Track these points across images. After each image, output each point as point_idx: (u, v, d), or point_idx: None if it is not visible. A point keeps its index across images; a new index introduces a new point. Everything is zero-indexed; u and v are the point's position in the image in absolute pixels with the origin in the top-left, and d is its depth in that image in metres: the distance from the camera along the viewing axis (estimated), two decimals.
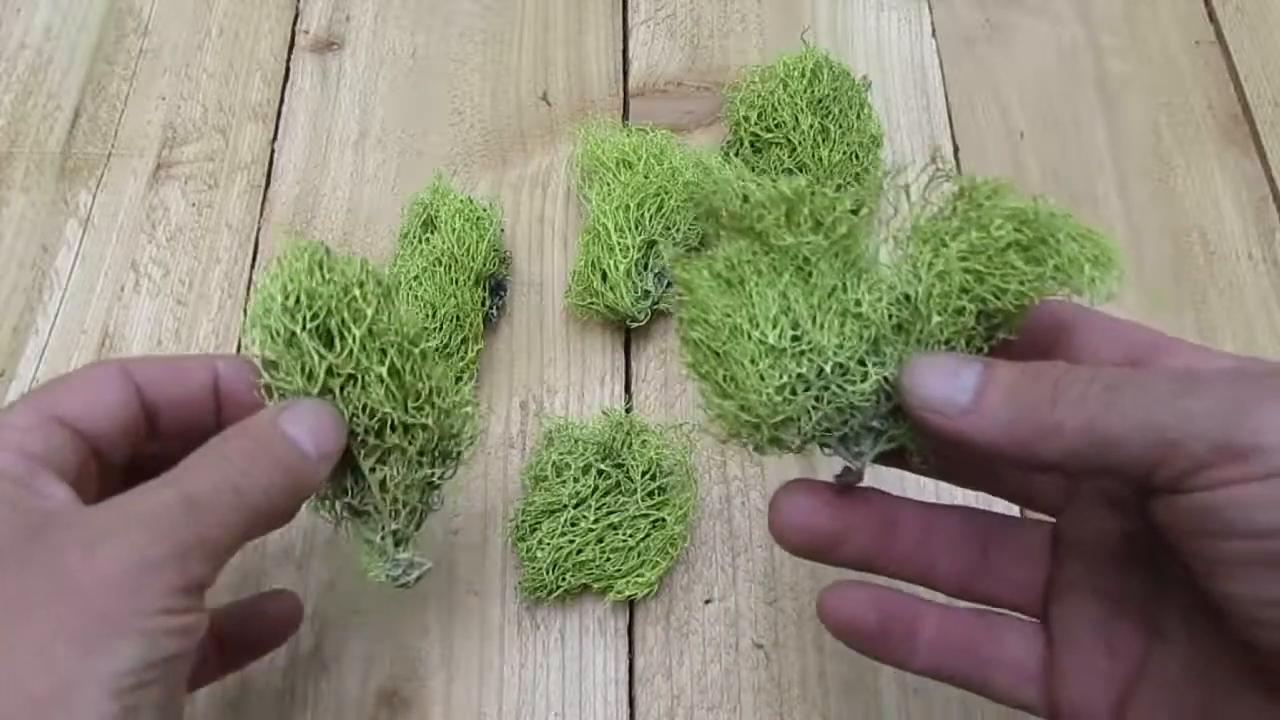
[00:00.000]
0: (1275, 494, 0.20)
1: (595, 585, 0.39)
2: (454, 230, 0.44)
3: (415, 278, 0.43)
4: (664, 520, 0.39)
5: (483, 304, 0.44)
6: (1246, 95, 0.51)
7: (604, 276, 0.44)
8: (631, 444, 0.40)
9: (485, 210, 0.46)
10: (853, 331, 0.25)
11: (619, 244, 0.43)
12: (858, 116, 0.46)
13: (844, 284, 0.26)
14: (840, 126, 0.46)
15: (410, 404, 0.31)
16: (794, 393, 0.25)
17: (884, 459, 0.27)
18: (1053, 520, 0.29)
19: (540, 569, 0.39)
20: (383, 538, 0.32)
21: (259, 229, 0.49)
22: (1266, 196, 0.49)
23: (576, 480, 0.39)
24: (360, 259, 0.31)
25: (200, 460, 0.27)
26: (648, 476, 0.39)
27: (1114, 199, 0.49)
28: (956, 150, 0.50)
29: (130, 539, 0.25)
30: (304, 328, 0.29)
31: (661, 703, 0.38)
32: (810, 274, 0.26)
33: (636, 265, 0.44)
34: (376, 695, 0.38)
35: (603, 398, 0.44)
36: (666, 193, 0.44)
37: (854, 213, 0.26)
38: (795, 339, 0.25)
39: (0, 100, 0.53)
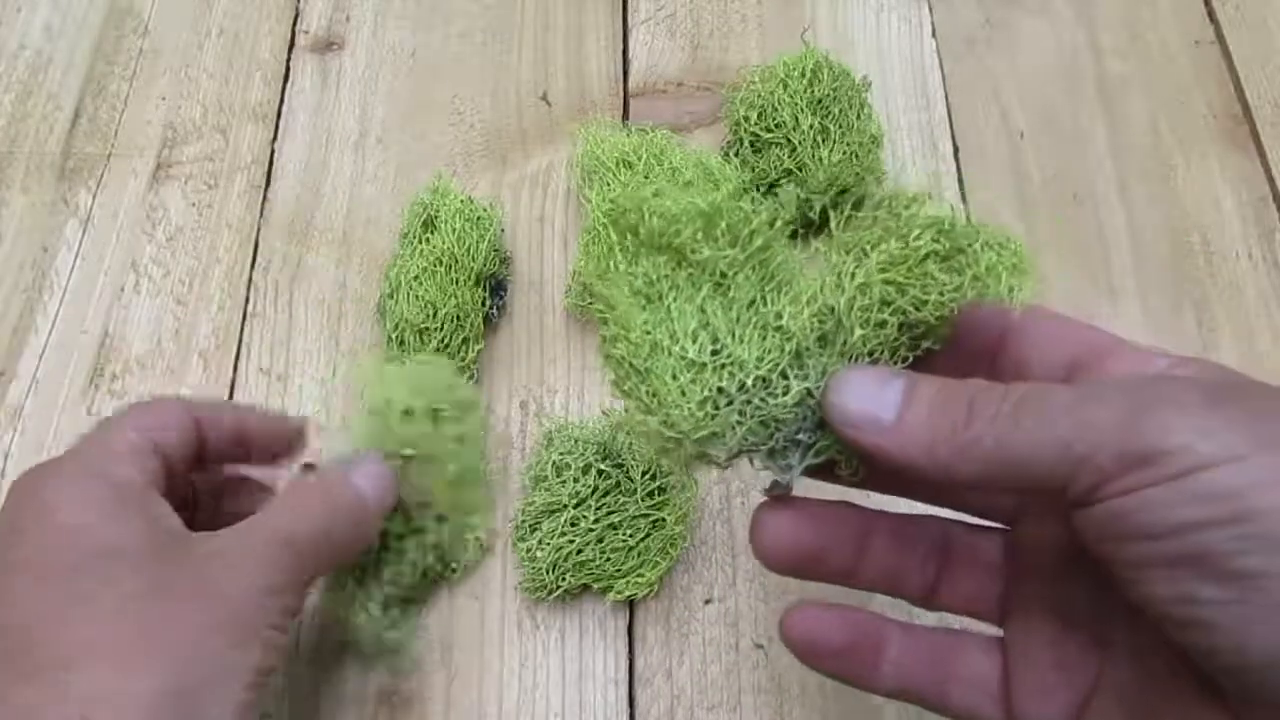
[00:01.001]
0: (1177, 495, 0.20)
1: (595, 585, 0.39)
2: (454, 230, 0.44)
3: (415, 278, 0.43)
4: (664, 520, 0.39)
5: (483, 304, 0.44)
6: (1246, 95, 0.51)
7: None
8: (631, 444, 0.40)
9: (485, 210, 0.46)
10: (774, 344, 0.25)
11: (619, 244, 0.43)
12: (858, 116, 0.46)
13: (764, 297, 0.26)
14: (840, 126, 0.46)
15: (457, 502, 0.36)
16: (716, 407, 0.25)
17: (814, 471, 0.27)
18: (1008, 529, 0.29)
19: (540, 569, 0.39)
20: (378, 609, 0.36)
21: (259, 229, 0.49)
22: (1266, 196, 0.49)
23: (576, 480, 0.39)
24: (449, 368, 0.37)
25: (293, 505, 0.31)
26: (648, 476, 0.39)
27: (1114, 199, 0.49)
28: (956, 150, 0.50)
29: (262, 566, 0.29)
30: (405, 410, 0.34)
31: (661, 703, 0.38)
32: (729, 288, 0.26)
33: None
34: (376, 695, 0.38)
35: (603, 398, 0.44)
36: None
37: (770, 225, 0.26)
38: (715, 353, 0.25)
39: (0, 100, 0.53)
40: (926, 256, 0.25)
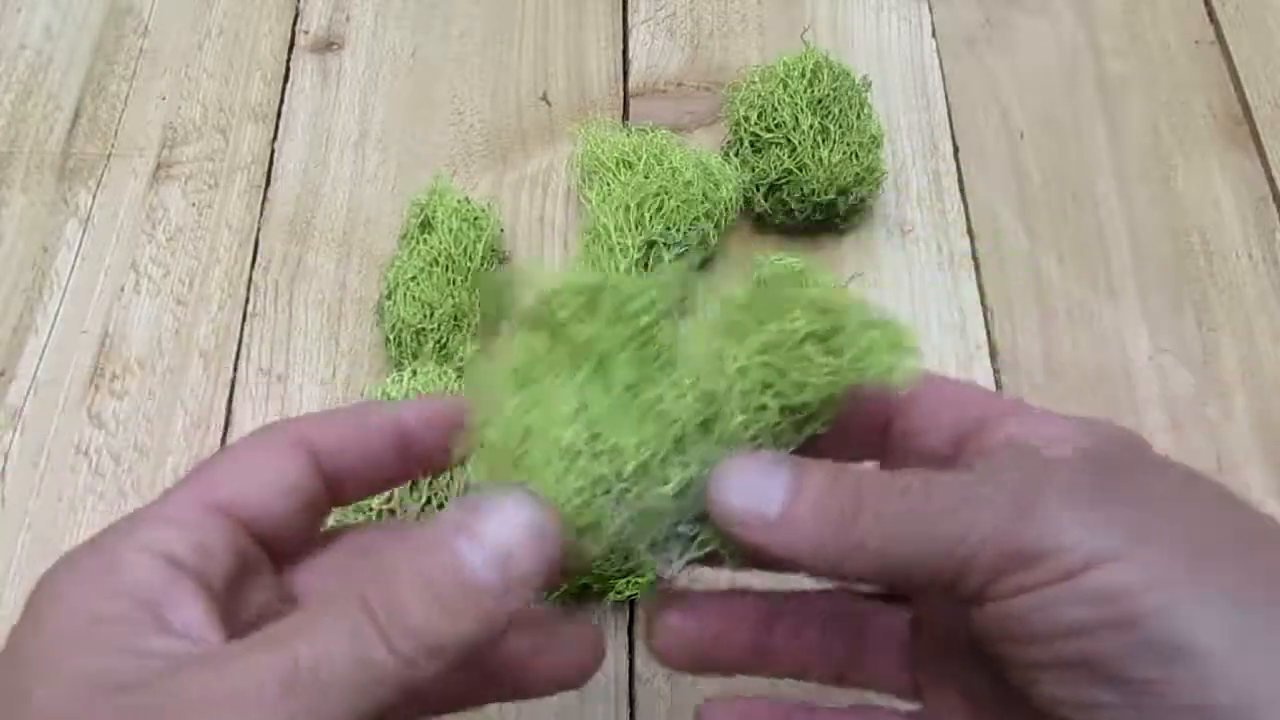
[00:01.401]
0: (1065, 596, 0.20)
1: (595, 585, 0.39)
2: (451, 230, 0.44)
3: (412, 278, 0.43)
4: None
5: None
6: (1246, 95, 0.51)
7: None
8: None
9: (483, 210, 0.46)
10: (654, 430, 0.24)
11: (619, 244, 0.43)
12: (858, 116, 0.46)
13: (647, 379, 0.24)
14: (840, 126, 0.46)
15: None
16: (593, 496, 0.23)
17: (697, 561, 0.26)
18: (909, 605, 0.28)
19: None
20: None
21: (259, 229, 0.49)
22: (1266, 196, 0.49)
23: None
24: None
25: (331, 605, 0.21)
26: None
27: (1114, 199, 0.49)
28: (956, 150, 0.50)
29: None
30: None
31: (661, 703, 0.38)
32: (609, 369, 0.24)
33: (636, 265, 0.44)
34: None
35: None
36: (666, 193, 0.44)
37: (653, 304, 0.24)
38: (592, 439, 0.23)
39: (0, 100, 0.53)
40: (805, 338, 0.24)
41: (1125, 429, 0.24)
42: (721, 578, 0.27)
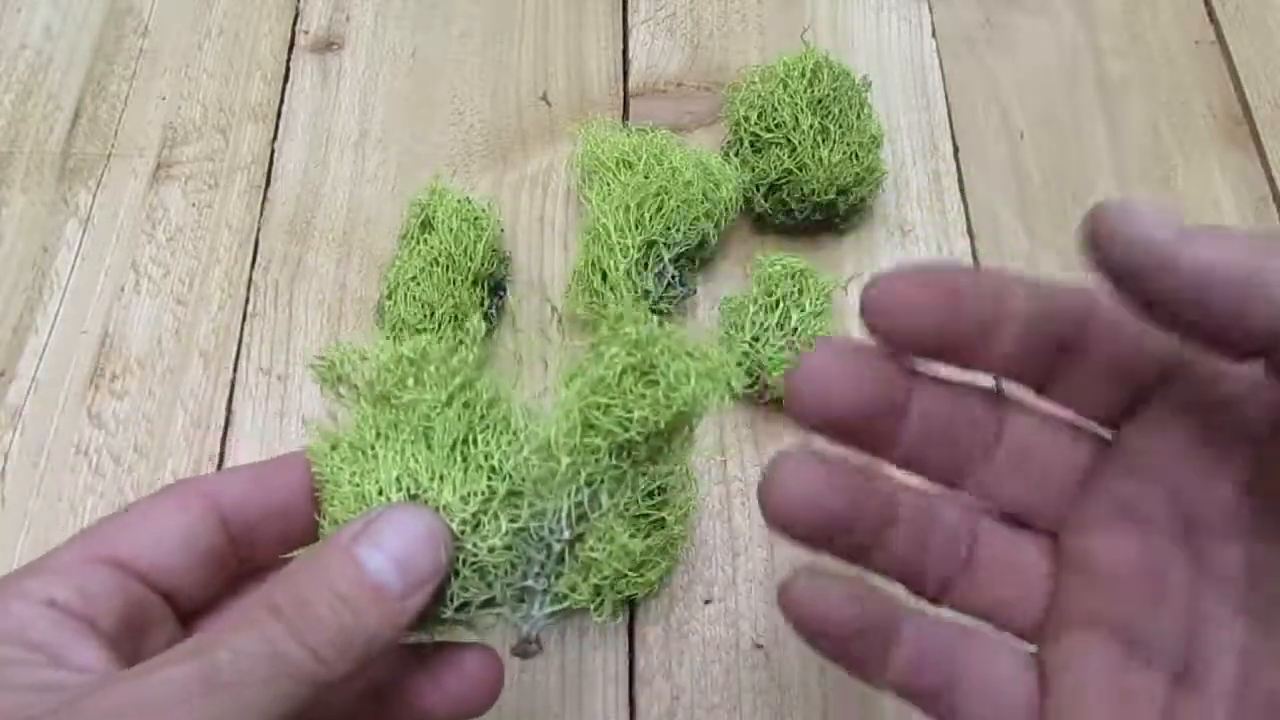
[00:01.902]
0: None
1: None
2: (451, 230, 0.44)
3: (412, 278, 0.43)
4: (664, 520, 0.39)
5: (482, 304, 0.44)
6: (1246, 95, 0.51)
7: (604, 276, 0.44)
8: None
9: (483, 210, 0.46)
10: (483, 486, 0.24)
11: (619, 244, 0.43)
12: (858, 116, 0.46)
13: (473, 437, 0.25)
14: (840, 126, 0.46)
15: None
16: None
17: (558, 616, 0.26)
18: (1055, 536, 0.24)
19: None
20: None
21: (259, 229, 0.49)
22: (1266, 196, 0.49)
23: None
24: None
25: (238, 615, 0.22)
26: (648, 477, 0.39)
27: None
28: (956, 150, 0.50)
29: None
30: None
31: (661, 703, 0.38)
32: (433, 431, 0.25)
33: (636, 265, 0.44)
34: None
35: None
36: (666, 193, 0.44)
37: (465, 361, 0.25)
38: (414, 497, 0.24)
39: (0, 100, 0.53)
40: (624, 372, 0.24)
41: None
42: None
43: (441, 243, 0.44)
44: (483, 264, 0.44)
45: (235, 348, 0.46)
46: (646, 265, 0.44)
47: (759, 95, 0.46)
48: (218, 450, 0.43)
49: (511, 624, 0.25)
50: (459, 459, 0.25)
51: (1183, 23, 0.54)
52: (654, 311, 0.44)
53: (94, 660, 0.22)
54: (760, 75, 0.48)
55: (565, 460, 0.24)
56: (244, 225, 0.49)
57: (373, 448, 0.25)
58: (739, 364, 0.42)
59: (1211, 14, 0.54)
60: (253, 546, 0.26)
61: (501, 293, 0.46)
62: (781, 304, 0.43)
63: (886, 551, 0.24)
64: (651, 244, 0.44)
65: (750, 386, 0.43)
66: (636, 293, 0.43)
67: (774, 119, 0.46)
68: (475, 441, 0.25)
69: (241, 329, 0.46)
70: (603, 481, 0.25)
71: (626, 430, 0.24)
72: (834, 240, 0.48)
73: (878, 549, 0.24)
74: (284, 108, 0.53)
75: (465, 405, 0.25)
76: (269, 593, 0.22)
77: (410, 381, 0.25)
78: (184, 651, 0.21)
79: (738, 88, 0.48)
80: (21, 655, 0.22)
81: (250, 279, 0.48)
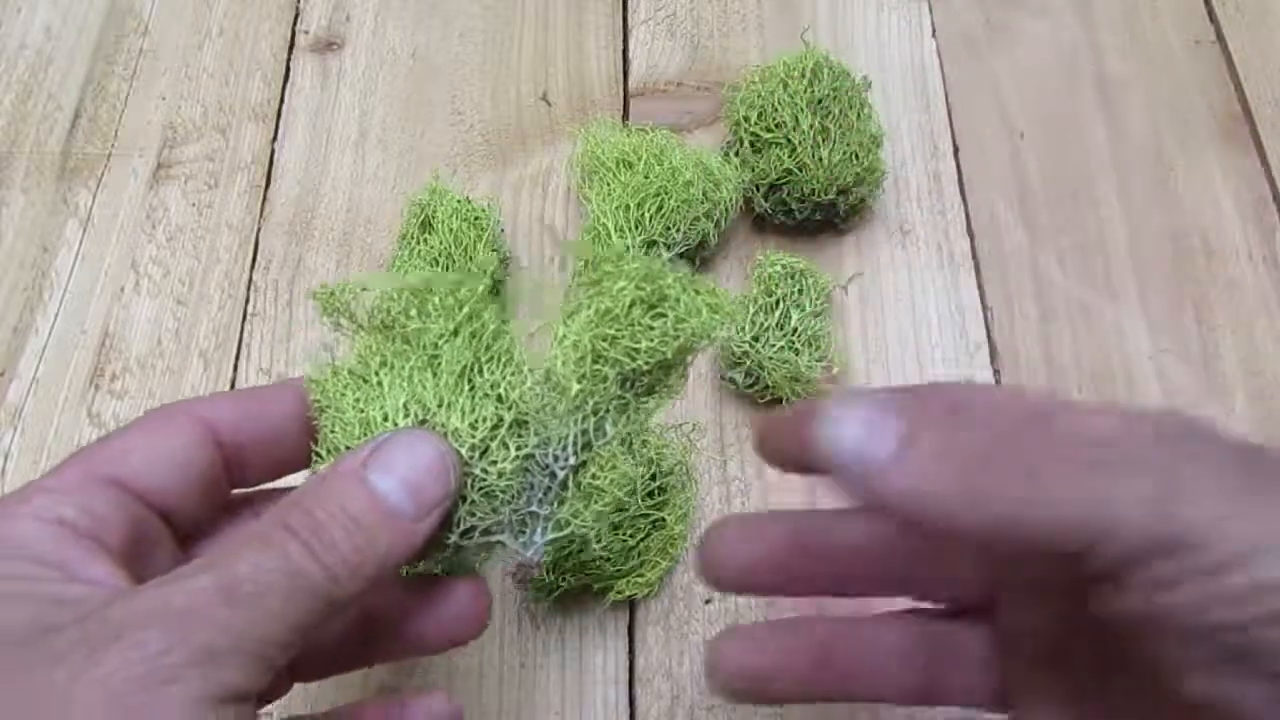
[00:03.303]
0: (1228, 590, 0.18)
1: (595, 585, 0.39)
2: (451, 231, 0.44)
3: None
4: (664, 520, 0.39)
5: None
6: (1246, 95, 0.51)
7: None
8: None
9: (483, 210, 0.46)
10: (489, 412, 0.25)
11: (619, 244, 0.43)
12: (858, 116, 0.46)
13: (479, 366, 0.25)
14: (840, 126, 0.46)
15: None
16: None
17: (558, 542, 0.26)
18: (990, 614, 0.27)
19: (541, 569, 0.39)
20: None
21: (259, 229, 0.49)
22: (1266, 196, 0.49)
23: None
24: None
25: (253, 534, 0.22)
26: (648, 477, 0.39)
27: (1114, 199, 0.49)
28: (956, 150, 0.50)
29: (140, 641, 0.20)
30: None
31: (661, 703, 0.38)
32: (440, 359, 0.25)
33: None
34: (376, 694, 0.38)
35: None
36: (666, 193, 0.44)
37: (474, 294, 0.25)
38: (424, 422, 0.24)
39: (0, 100, 0.53)
40: (632, 305, 0.25)
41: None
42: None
43: (441, 243, 0.44)
44: (483, 264, 0.44)
45: (235, 348, 0.46)
46: None
47: (759, 95, 0.46)
48: None
49: (511, 550, 0.26)
50: (466, 387, 0.25)
51: (1183, 23, 0.54)
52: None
53: (105, 574, 0.22)
54: (760, 75, 0.48)
55: (575, 388, 0.25)
56: (244, 225, 0.49)
57: (377, 375, 0.25)
58: (738, 364, 0.42)
59: (1211, 14, 0.54)
60: (244, 470, 0.26)
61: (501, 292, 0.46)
62: (781, 304, 0.43)
63: (834, 683, 0.27)
64: (651, 244, 0.44)
65: (750, 386, 0.43)
66: None
67: (774, 119, 0.46)
68: (481, 370, 0.25)
69: (241, 329, 0.46)
70: (608, 410, 0.26)
71: (634, 360, 0.25)
72: (834, 240, 0.48)
73: (823, 684, 0.26)
74: (284, 108, 0.53)
75: (472, 335, 0.25)
76: (282, 514, 0.22)
77: (414, 311, 0.25)
78: (202, 565, 0.22)
79: (738, 88, 0.48)
80: (35, 570, 0.22)
81: (250, 279, 0.48)
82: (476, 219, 0.45)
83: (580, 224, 0.48)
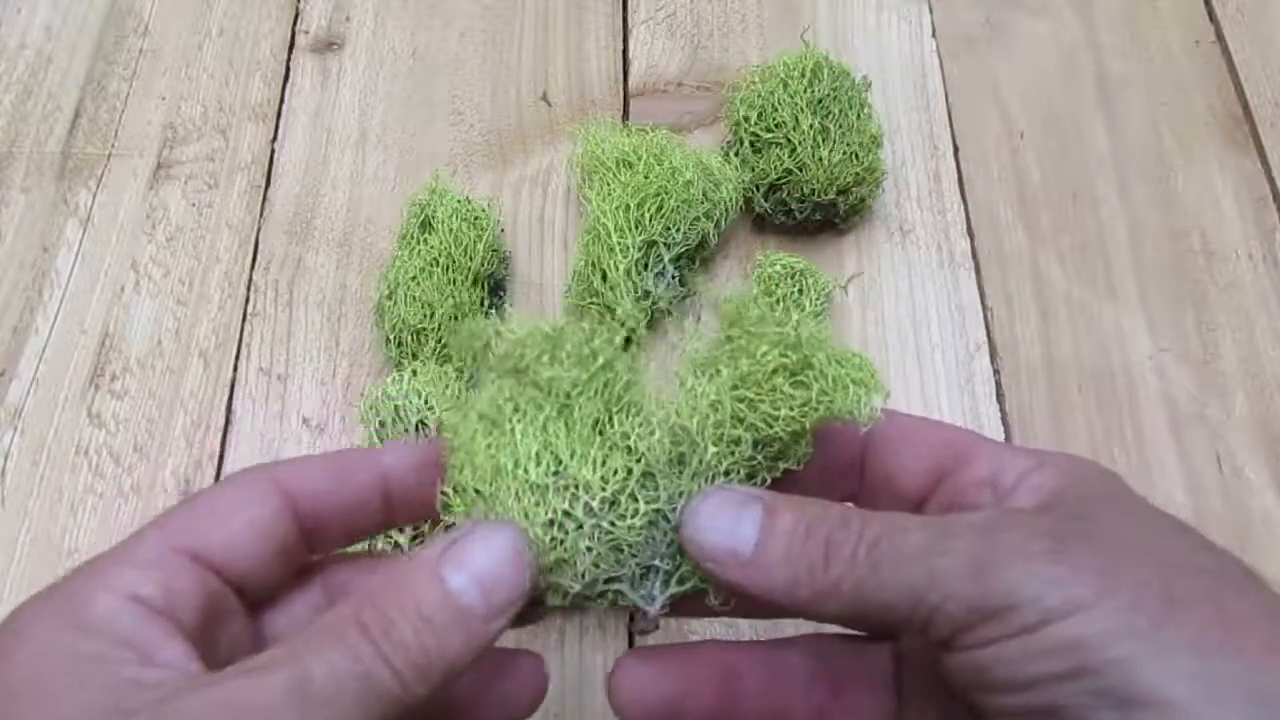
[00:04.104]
0: (1026, 650, 0.20)
1: (595, 601, 0.39)
2: (451, 230, 0.44)
3: (413, 278, 0.43)
4: None
5: (482, 304, 0.44)
6: (1246, 95, 0.51)
7: (604, 276, 0.44)
8: None
9: (483, 210, 0.46)
10: (620, 465, 0.25)
11: (619, 244, 0.43)
12: (858, 116, 0.46)
13: (610, 418, 0.25)
14: (840, 126, 0.46)
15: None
16: (563, 530, 0.24)
17: (684, 603, 0.26)
18: (894, 642, 0.28)
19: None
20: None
21: (259, 229, 0.49)
22: (1266, 196, 0.49)
23: None
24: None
25: (327, 629, 0.22)
26: None
27: (1114, 199, 0.49)
28: (956, 150, 0.50)
29: None
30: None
31: None
32: (573, 409, 0.25)
33: (636, 265, 0.44)
34: None
35: None
36: (666, 193, 0.44)
37: (610, 344, 0.25)
38: (556, 474, 0.24)
39: (0, 100, 0.53)
40: (775, 372, 0.25)
41: (1099, 466, 0.25)
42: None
43: (441, 243, 0.44)
44: (483, 264, 0.44)
45: (235, 348, 0.46)
46: (646, 265, 0.44)
47: (759, 95, 0.46)
48: (218, 450, 0.43)
49: (630, 601, 0.26)
50: (597, 438, 0.25)
51: (1183, 23, 0.54)
52: (652, 312, 0.44)
53: (179, 656, 0.22)
54: (760, 75, 0.48)
55: (711, 450, 0.25)
56: (244, 225, 0.49)
57: (510, 421, 0.25)
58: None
59: (1211, 14, 0.54)
60: (321, 536, 0.26)
61: (501, 292, 0.46)
62: (781, 304, 0.43)
63: (746, 710, 0.27)
64: (651, 244, 0.44)
65: None
66: (636, 293, 0.44)
67: (774, 119, 0.46)
68: (612, 420, 0.25)
69: (241, 329, 0.46)
70: (739, 472, 0.25)
71: (771, 428, 0.25)
72: (834, 240, 0.48)
73: (730, 712, 0.27)
74: (284, 108, 0.53)
75: (605, 385, 0.25)
76: (357, 608, 0.22)
77: (547, 359, 0.25)
78: (275, 659, 0.21)
79: (738, 88, 0.48)
80: (114, 651, 0.22)
81: (250, 279, 0.48)
82: (476, 219, 0.45)
83: (580, 224, 0.48)
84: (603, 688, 0.38)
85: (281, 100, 0.53)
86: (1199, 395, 0.44)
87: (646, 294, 0.44)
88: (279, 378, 0.45)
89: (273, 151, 0.51)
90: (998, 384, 0.44)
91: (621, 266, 0.43)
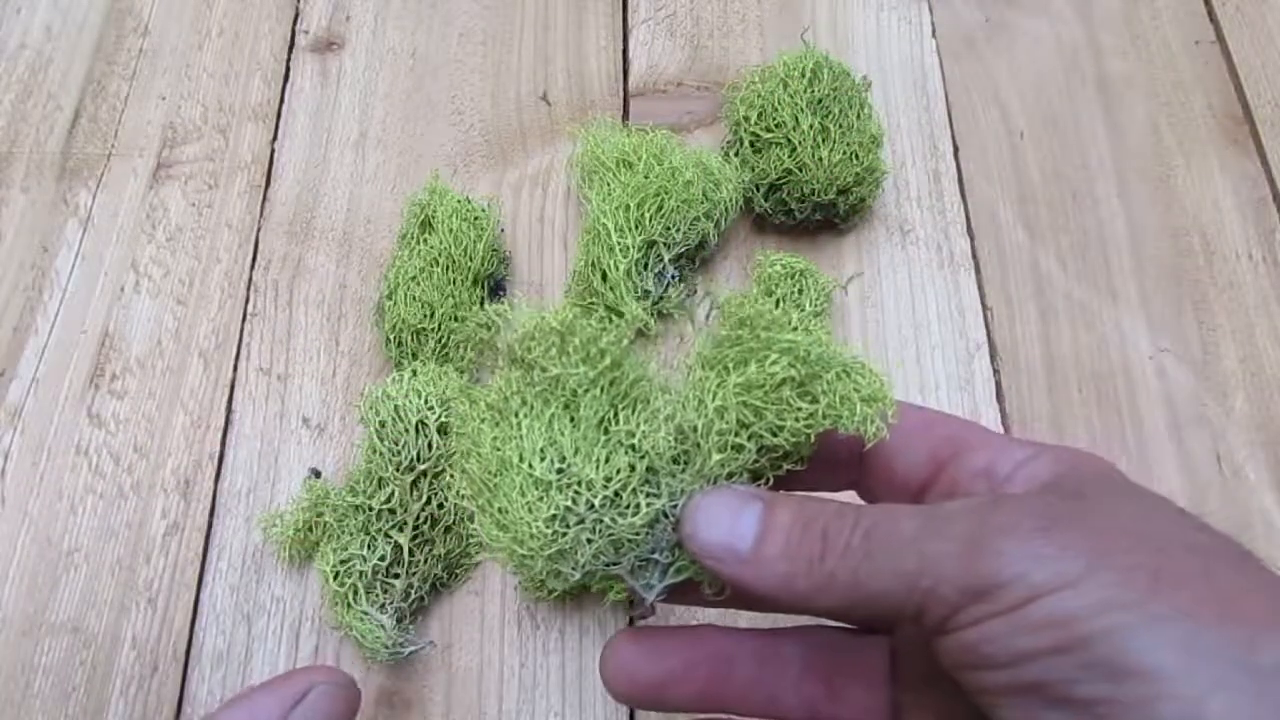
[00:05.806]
0: (1015, 626, 0.20)
1: (595, 585, 0.39)
2: (451, 230, 0.44)
3: (413, 278, 0.43)
4: None
5: (481, 304, 0.44)
6: (1246, 95, 0.51)
7: (604, 276, 0.44)
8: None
9: (483, 210, 0.46)
10: (624, 463, 0.25)
11: (619, 244, 0.43)
12: (858, 116, 0.46)
13: (616, 415, 0.25)
14: (840, 126, 0.46)
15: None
16: (565, 525, 0.25)
17: (679, 592, 0.26)
18: (889, 636, 0.28)
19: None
20: (391, 621, 0.36)
21: (259, 229, 0.49)
22: (1266, 196, 0.49)
23: None
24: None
25: None
26: None
27: (1114, 199, 0.49)
28: (956, 150, 0.50)
29: None
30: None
31: None
32: (578, 406, 0.25)
33: (636, 265, 0.44)
34: (377, 695, 0.38)
35: None
36: (666, 193, 0.44)
37: (618, 343, 0.25)
38: (560, 471, 0.25)
39: (0, 100, 0.53)
40: (783, 382, 0.25)
41: (1096, 456, 0.25)
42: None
43: (441, 243, 0.44)
44: (483, 264, 0.44)
45: (235, 348, 0.46)
46: (646, 265, 0.44)
47: (759, 95, 0.46)
48: (218, 450, 0.43)
49: (628, 588, 0.26)
50: (602, 436, 0.25)
51: (1183, 23, 0.54)
52: (654, 312, 0.44)
53: None
54: (760, 75, 0.48)
55: (715, 456, 0.25)
56: (244, 225, 0.49)
57: (516, 415, 0.26)
58: None
59: (1211, 14, 0.54)
60: None
61: (501, 292, 0.46)
62: (781, 304, 0.43)
63: (732, 696, 0.27)
64: (651, 244, 0.44)
65: None
66: (636, 293, 0.43)
67: (774, 119, 0.46)
68: (617, 418, 0.25)
69: (241, 329, 0.46)
70: (741, 475, 0.26)
71: (775, 436, 0.25)
72: (834, 240, 0.48)
73: (720, 696, 0.27)
74: (284, 108, 0.53)
75: (611, 383, 0.26)
76: None
77: (554, 353, 0.25)
78: None
79: (738, 88, 0.48)
80: None
81: (250, 279, 0.48)
82: (476, 219, 0.45)
83: (580, 224, 0.48)
84: (602, 687, 0.38)
85: (281, 100, 0.53)
86: (1199, 395, 0.44)
87: (646, 294, 0.44)
88: (279, 377, 0.45)
89: (272, 151, 0.51)
90: (998, 384, 0.44)
91: (621, 266, 0.43)
